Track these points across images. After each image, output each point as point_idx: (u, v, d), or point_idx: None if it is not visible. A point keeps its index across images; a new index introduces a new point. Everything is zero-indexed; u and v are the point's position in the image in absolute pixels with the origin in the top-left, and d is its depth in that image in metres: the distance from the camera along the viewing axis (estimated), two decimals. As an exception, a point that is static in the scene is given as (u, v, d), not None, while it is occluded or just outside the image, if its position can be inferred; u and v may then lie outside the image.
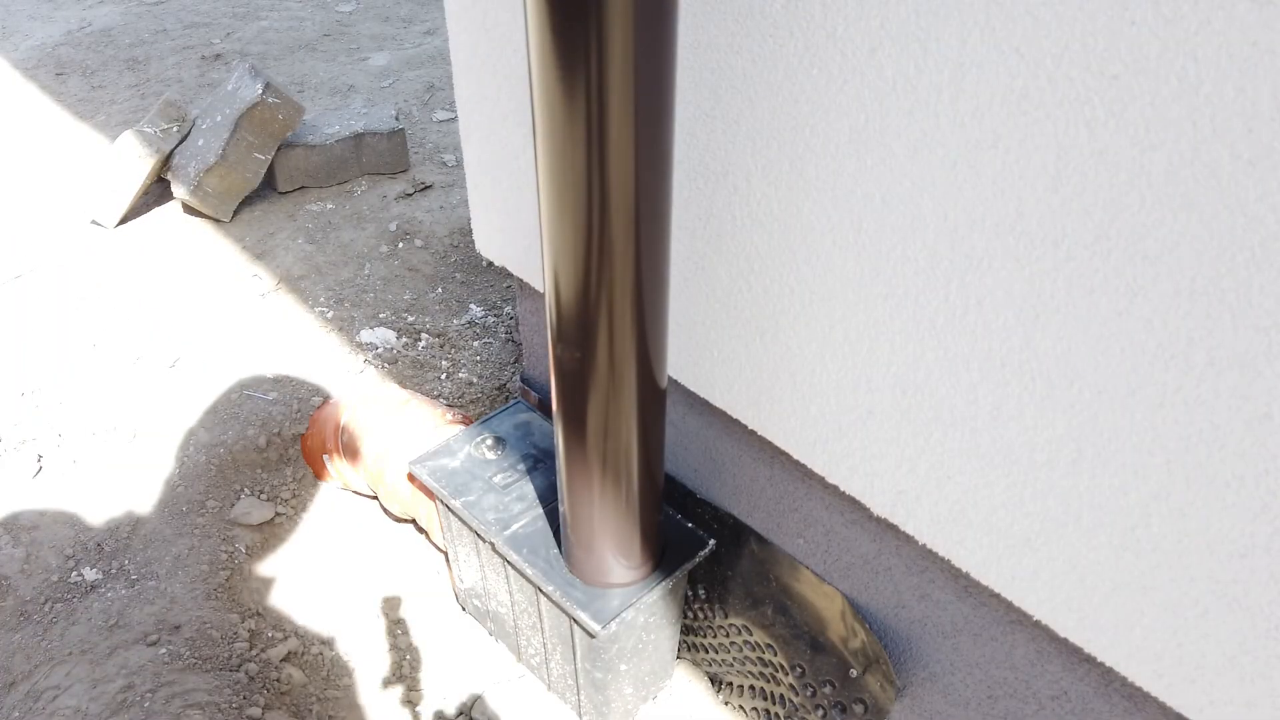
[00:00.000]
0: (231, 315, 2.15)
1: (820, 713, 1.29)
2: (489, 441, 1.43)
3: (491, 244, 1.55)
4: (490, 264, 2.30)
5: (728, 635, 1.40)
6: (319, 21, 3.56)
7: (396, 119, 2.64)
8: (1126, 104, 0.68)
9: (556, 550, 1.28)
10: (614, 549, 1.19)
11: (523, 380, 1.74)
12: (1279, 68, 0.60)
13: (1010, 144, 0.77)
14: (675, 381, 1.27)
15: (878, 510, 1.06)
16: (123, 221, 2.41)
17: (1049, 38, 0.71)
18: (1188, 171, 0.67)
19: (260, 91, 2.32)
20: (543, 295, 1.09)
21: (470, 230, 2.39)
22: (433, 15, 3.62)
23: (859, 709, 1.23)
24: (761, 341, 1.10)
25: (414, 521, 1.67)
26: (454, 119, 2.93)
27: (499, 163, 1.41)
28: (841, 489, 1.09)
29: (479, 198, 1.53)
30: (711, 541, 1.31)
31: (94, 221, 2.42)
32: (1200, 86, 0.64)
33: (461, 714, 1.45)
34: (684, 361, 1.22)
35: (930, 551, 1.05)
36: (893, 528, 1.09)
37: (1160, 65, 0.66)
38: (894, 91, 0.84)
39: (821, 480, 1.14)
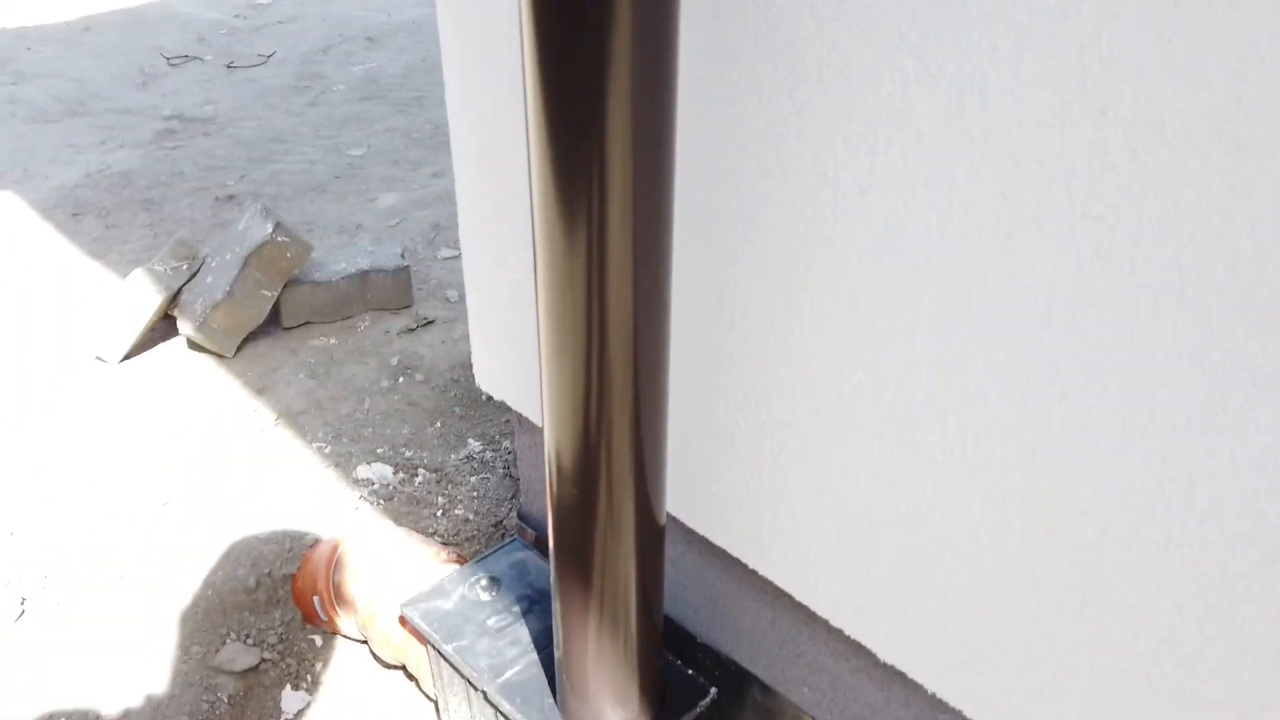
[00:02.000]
0: (228, 452, 2.14)
1: None
2: (484, 582, 1.39)
3: (491, 378, 1.55)
4: (489, 398, 2.30)
5: (731, 790, 1.33)
6: (331, 165, 3.70)
7: (402, 256, 2.70)
8: (1111, 245, 0.70)
9: (551, 699, 1.23)
10: (611, 697, 1.14)
11: (520, 517, 1.71)
12: (1256, 212, 0.62)
13: (1000, 283, 0.78)
14: (674, 518, 1.24)
15: (883, 656, 1.02)
16: (127, 357, 2.43)
17: (1032, 180, 0.73)
18: (1177, 311, 0.68)
19: (270, 230, 2.39)
20: (541, 430, 1.09)
21: (471, 364, 2.41)
22: (441, 159, 3.76)
23: None
24: (760, 478, 1.09)
25: (404, 668, 1.61)
26: (458, 256, 3.00)
27: (500, 298, 1.43)
28: (846, 633, 1.06)
29: (480, 333, 1.54)
30: (713, 690, 1.25)
31: (98, 357, 2.44)
32: (1182, 228, 0.65)
33: None
34: (682, 497, 1.20)
35: (940, 701, 1.00)
36: (900, 675, 1.04)
37: (1142, 208, 0.67)
38: (885, 231, 0.86)
39: (825, 624, 1.10)
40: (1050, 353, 0.77)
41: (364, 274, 2.60)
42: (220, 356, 2.44)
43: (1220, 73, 0.61)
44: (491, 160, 1.31)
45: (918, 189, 0.81)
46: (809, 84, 0.87)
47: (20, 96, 4.47)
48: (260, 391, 2.34)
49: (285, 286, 2.49)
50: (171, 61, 4.96)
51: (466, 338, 2.54)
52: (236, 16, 5.72)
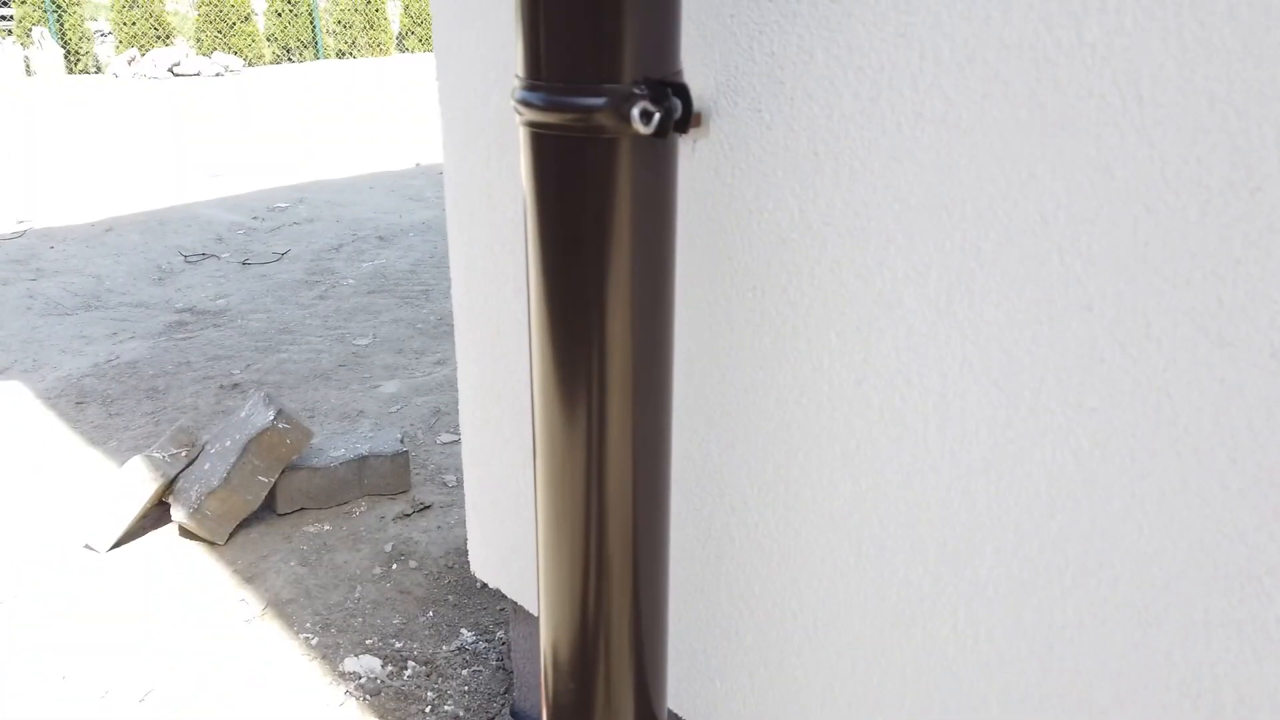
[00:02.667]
0: (211, 643, 2.06)
1: None
2: (473, 788, 1.30)
3: (487, 566, 1.52)
4: (484, 586, 2.25)
5: None
6: (336, 354, 3.78)
7: (401, 442, 2.71)
8: (1109, 435, 0.71)
9: None
10: None
11: (513, 714, 1.63)
12: (1249, 404, 0.63)
13: (1000, 471, 0.79)
14: (675, 716, 1.19)
15: None
16: (116, 545, 2.39)
17: (1024, 373, 0.75)
18: (1180, 500, 0.68)
19: (272, 417, 2.41)
20: (537, 620, 1.05)
21: (466, 551, 2.37)
22: (444, 348, 3.85)
23: None
24: (766, 671, 1.05)
25: None
26: (457, 441, 3.02)
27: (499, 485, 1.43)
28: (863, 846, 0.98)
29: (477, 519, 1.53)
30: None
31: (86, 545, 2.40)
32: (1177, 419, 0.67)
33: None
34: (685, 692, 1.15)
35: None
36: None
37: (1135, 400, 0.69)
38: (882, 420, 0.87)
39: (840, 835, 1.03)
40: (1058, 542, 0.76)
41: (362, 459, 2.60)
42: (211, 544, 2.40)
43: (1198, 272, 0.64)
44: (493, 350, 1.35)
45: (912, 380, 0.84)
46: (801, 279, 0.91)
47: (38, 291, 4.63)
48: (249, 580, 2.29)
49: (282, 472, 2.48)
50: (189, 259, 5.17)
51: (463, 523, 2.51)
52: (255, 218, 6.02)
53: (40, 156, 8.22)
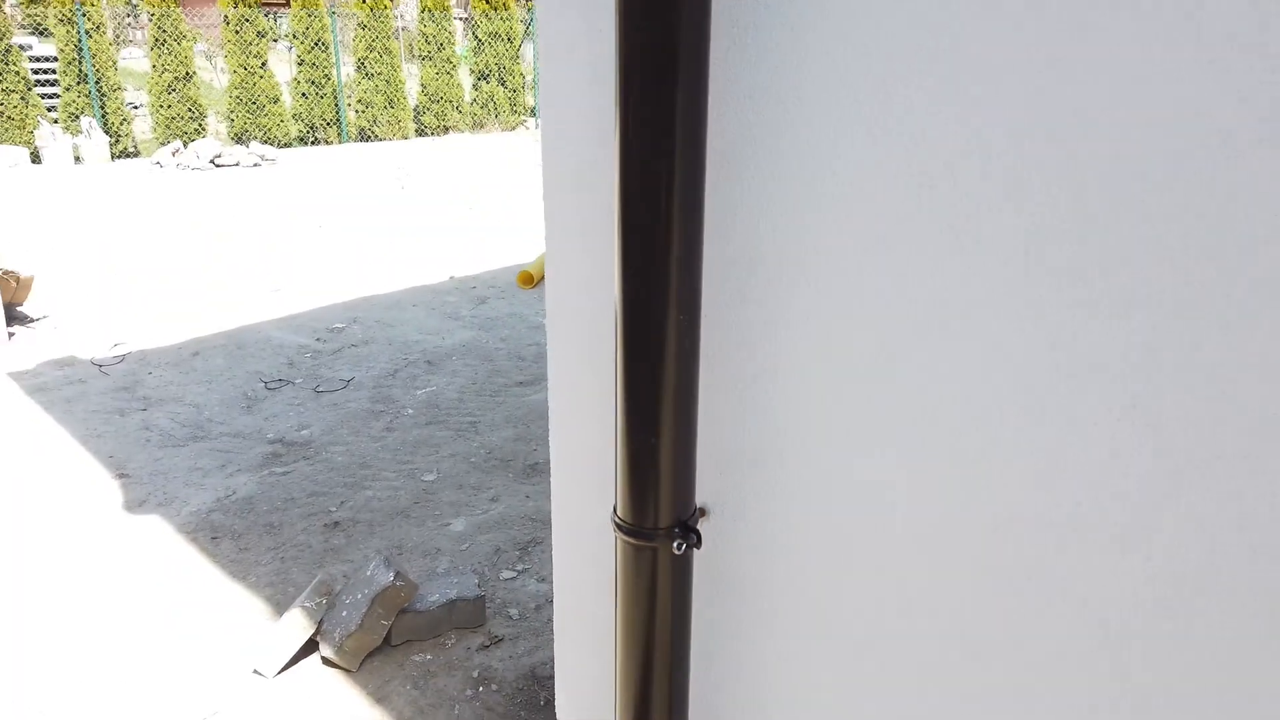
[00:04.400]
0: (363, 751, 2.95)
1: None
2: None
3: (567, 711, 2.41)
4: (548, 702, 3.13)
5: None
6: (410, 490, 4.69)
7: (479, 586, 3.62)
8: None
9: None
10: None
11: (582, 810, 2.51)
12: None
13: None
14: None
15: None
16: (280, 671, 3.29)
17: None
18: None
19: (391, 578, 3.32)
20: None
21: (533, 676, 3.27)
22: (495, 483, 4.77)
23: None
24: (739, 802, 1.94)
25: None
26: (515, 577, 3.91)
27: (582, 649, 2.31)
28: None
29: (563, 678, 2.42)
30: None
31: (255, 670, 3.29)
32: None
33: None
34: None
35: None
36: None
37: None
38: None
39: None
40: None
41: (451, 602, 3.50)
42: (348, 671, 3.30)
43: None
44: (584, 528, 2.24)
45: None
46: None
47: (151, 422, 5.56)
48: (379, 700, 3.18)
49: (396, 615, 3.38)
50: (269, 385, 6.11)
51: (529, 653, 3.40)
52: (318, 340, 6.97)
53: (113, 262, 9.20)
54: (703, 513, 1.92)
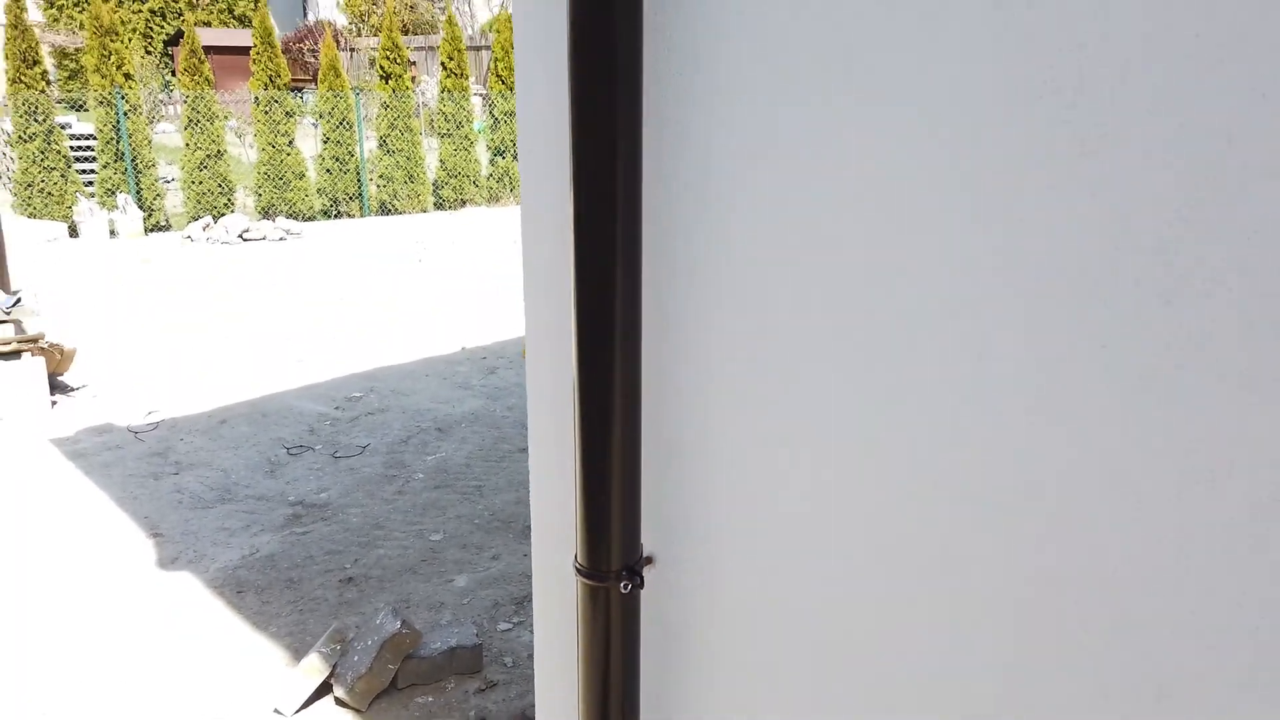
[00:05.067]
0: (369, 780, 3.31)
1: None
2: None
3: (547, 743, 2.78)
4: (537, 743, 3.49)
5: None
6: (418, 549, 5.10)
7: (477, 635, 4.00)
8: None
9: None
10: None
11: (559, 828, 2.86)
12: None
13: None
14: (644, 828, 2.43)
15: None
16: (298, 710, 3.67)
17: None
18: None
19: (398, 627, 3.72)
20: (578, 781, 2.30)
21: (524, 716, 3.63)
22: (496, 543, 5.17)
23: None
24: (682, 807, 2.31)
25: None
26: (510, 629, 4.29)
27: (563, 676, 2.70)
28: None
29: (544, 703, 2.80)
30: None
31: (275, 710, 3.68)
32: None
33: None
34: (647, 817, 2.41)
35: None
36: None
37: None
38: (719, 703, 2.16)
39: None
40: None
41: (452, 650, 3.89)
42: (358, 710, 3.68)
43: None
44: (558, 576, 2.65)
45: (728, 689, 2.14)
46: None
47: (183, 485, 6.02)
48: (385, 737, 3.55)
49: (402, 661, 3.77)
50: (290, 451, 6.57)
51: (520, 696, 3.77)
52: (337, 408, 7.45)
53: (148, 333, 9.78)
54: (649, 560, 2.34)
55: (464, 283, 12.78)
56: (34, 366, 7.22)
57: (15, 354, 7.16)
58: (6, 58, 16.93)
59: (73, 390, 7.83)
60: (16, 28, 16.82)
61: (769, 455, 1.74)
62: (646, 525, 2.26)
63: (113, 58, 17.80)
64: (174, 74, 32.56)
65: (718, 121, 1.50)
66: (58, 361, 7.64)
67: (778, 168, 1.43)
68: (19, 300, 7.57)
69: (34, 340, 7.29)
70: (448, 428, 7.04)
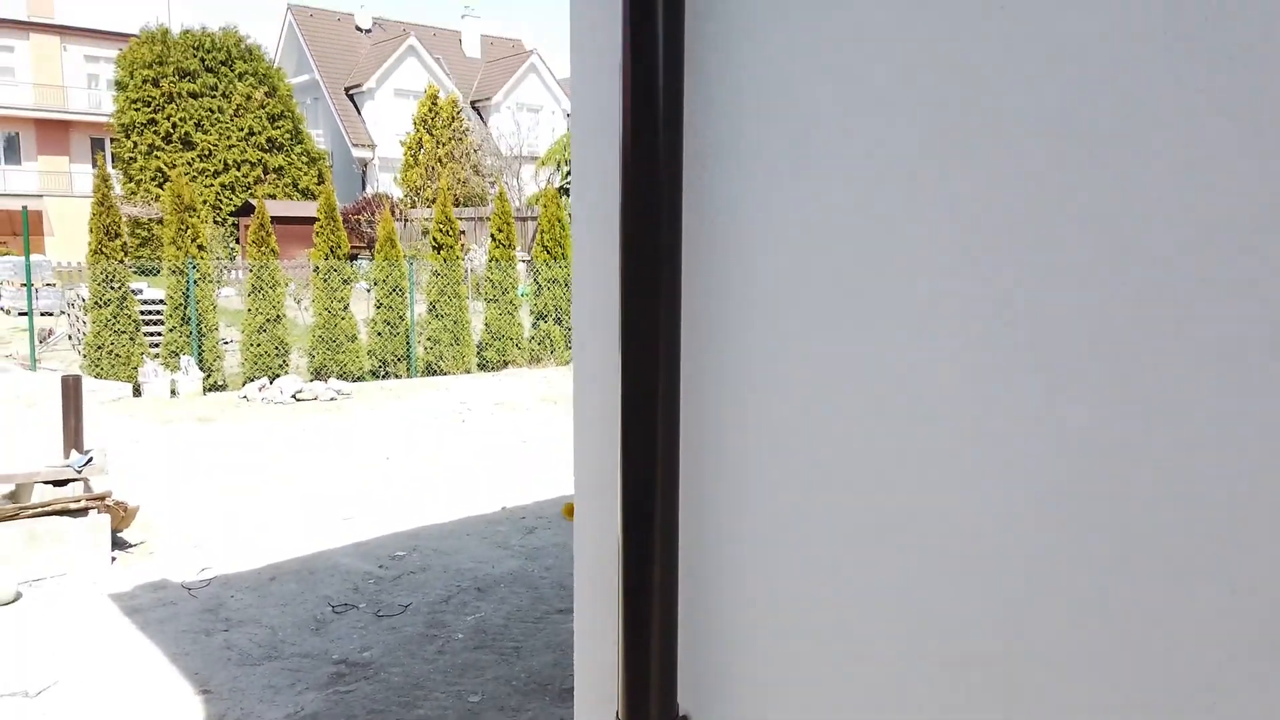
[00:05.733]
0: None
1: None
2: None
3: None
4: None
5: None
6: (457, 710, 5.20)
7: (514, 798, 4.08)
8: None
9: None
10: None
11: None
12: None
13: None
14: None
15: None
16: None
17: None
18: None
19: (440, 786, 3.83)
20: None
21: None
22: (533, 705, 5.25)
23: None
24: None
25: None
26: (547, 793, 4.35)
27: None
28: None
29: None
30: None
31: None
32: None
33: None
34: None
35: None
36: None
37: None
38: None
39: None
40: None
41: (490, 812, 3.97)
42: None
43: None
44: None
45: None
46: None
47: (233, 642, 6.21)
48: None
49: (441, 822, 3.85)
50: (336, 610, 6.77)
51: None
52: (381, 566, 7.68)
53: (204, 491, 10.17)
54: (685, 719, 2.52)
55: (504, 439, 13.16)
56: (99, 524, 7.59)
57: (83, 511, 7.55)
58: (91, 231, 18.31)
59: (131, 547, 8.16)
60: (103, 204, 18.28)
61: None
62: (682, 686, 2.46)
63: (189, 230, 19.19)
64: (238, 242, 34.70)
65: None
66: (120, 518, 8.01)
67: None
68: (90, 459, 8.03)
69: (101, 498, 7.69)
70: (487, 588, 7.21)
